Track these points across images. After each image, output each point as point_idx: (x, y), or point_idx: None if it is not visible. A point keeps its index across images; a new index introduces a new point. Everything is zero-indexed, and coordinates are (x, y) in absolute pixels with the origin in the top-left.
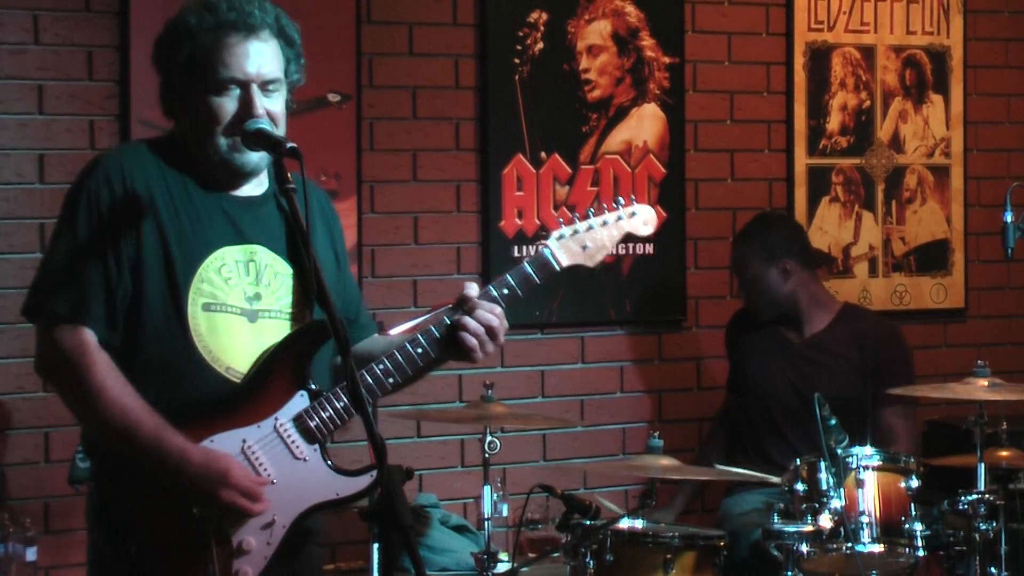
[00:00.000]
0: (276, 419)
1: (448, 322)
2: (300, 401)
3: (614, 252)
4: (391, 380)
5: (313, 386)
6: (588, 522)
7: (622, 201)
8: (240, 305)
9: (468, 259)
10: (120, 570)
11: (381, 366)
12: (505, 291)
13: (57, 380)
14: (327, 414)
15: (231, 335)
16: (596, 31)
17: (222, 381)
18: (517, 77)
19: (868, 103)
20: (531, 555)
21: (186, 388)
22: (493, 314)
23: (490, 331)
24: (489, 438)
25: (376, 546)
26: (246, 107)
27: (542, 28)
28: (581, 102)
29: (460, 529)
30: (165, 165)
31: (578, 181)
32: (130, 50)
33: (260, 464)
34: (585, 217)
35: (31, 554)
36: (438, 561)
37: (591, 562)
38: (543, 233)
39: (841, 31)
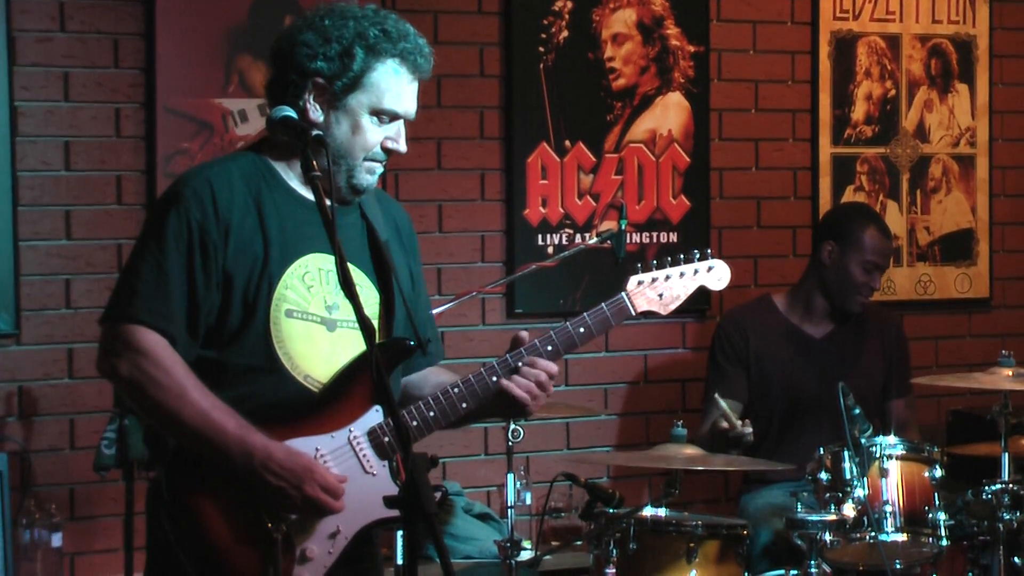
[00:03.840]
0: (350, 431)
1: (496, 380)
2: (375, 415)
3: (640, 242)
4: (433, 416)
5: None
6: (611, 511)
7: (697, 254)
8: (320, 314)
9: (492, 247)
10: (185, 562)
11: (431, 412)
12: (581, 330)
13: (132, 382)
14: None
15: (311, 343)
16: (621, 20)
17: (300, 388)
18: (542, 66)
19: (893, 92)
20: (554, 543)
21: (265, 394)
22: (546, 371)
23: (540, 385)
24: (513, 426)
25: (400, 534)
26: (396, 140)
27: (567, 16)
28: (606, 91)
29: (483, 517)
30: (253, 175)
31: (602, 170)
32: (156, 37)
33: None
34: (663, 265)
35: (56, 540)
36: (462, 549)
37: (614, 551)
38: (567, 222)
39: (866, 20)
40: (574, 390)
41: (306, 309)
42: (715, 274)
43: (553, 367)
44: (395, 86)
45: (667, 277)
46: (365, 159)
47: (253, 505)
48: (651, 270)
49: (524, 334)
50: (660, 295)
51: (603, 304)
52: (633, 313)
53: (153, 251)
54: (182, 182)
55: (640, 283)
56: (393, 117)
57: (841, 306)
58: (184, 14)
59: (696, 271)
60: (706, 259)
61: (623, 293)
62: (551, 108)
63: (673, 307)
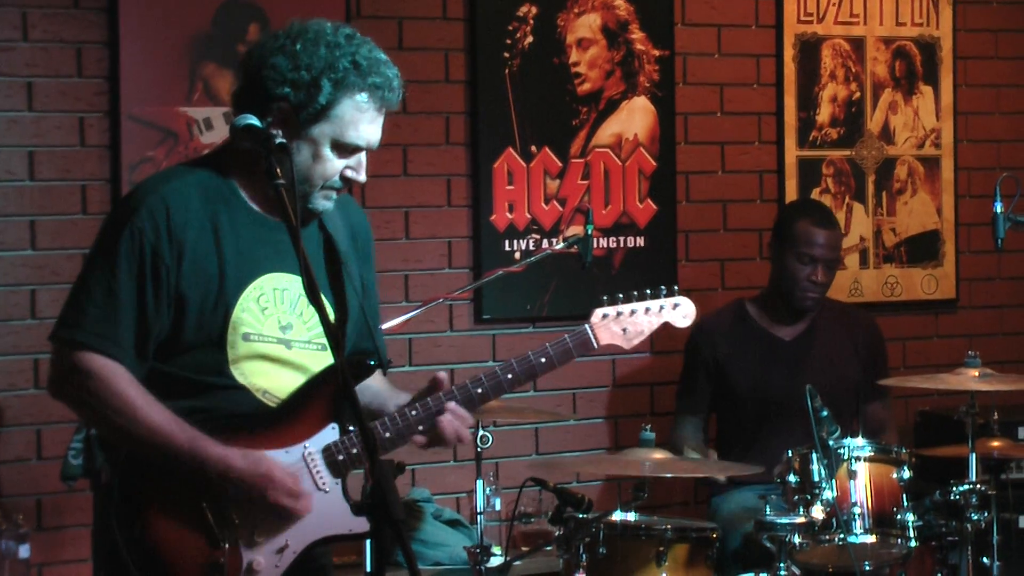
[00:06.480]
0: (305, 447)
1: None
2: (331, 433)
3: (607, 247)
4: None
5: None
6: (581, 515)
7: (664, 291)
8: (275, 335)
9: (459, 253)
10: (131, 567)
11: (388, 433)
12: (543, 360)
13: (82, 404)
14: (355, 451)
15: (267, 362)
16: (586, 24)
17: (258, 403)
18: (507, 71)
19: (858, 95)
20: (524, 549)
21: (221, 407)
22: (464, 423)
23: (459, 438)
24: (481, 432)
25: (369, 541)
26: (356, 170)
27: (532, 22)
28: (571, 95)
29: (453, 523)
30: (210, 191)
31: (568, 175)
32: (119, 46)
33: None
34: (629, 300)
35: (24, 551)
36: (431, 555)
37: (584, 555)
38: (534, 227)
39: (831, 23)
40: (542, 395)
41: (261, 331)
42: (680, 311)
43: (469, 419)
44: (359, 120)
45: (632, 312)
46: (323, 187)
47: (203, 515)
48: (617, 303)
49: (443, 375)
50: (624, 330)
51: (566, 336)
52: (596, 346)
53: (104, 271)
54: (137, 197)
55: (605, 316)
56: (355, 149)
57: (791, 303)
58: (148, 22)
59: (662, 307)
60: (672, 295)
61: (587, 325)
62: (517, 113)
63: (636, 342)
